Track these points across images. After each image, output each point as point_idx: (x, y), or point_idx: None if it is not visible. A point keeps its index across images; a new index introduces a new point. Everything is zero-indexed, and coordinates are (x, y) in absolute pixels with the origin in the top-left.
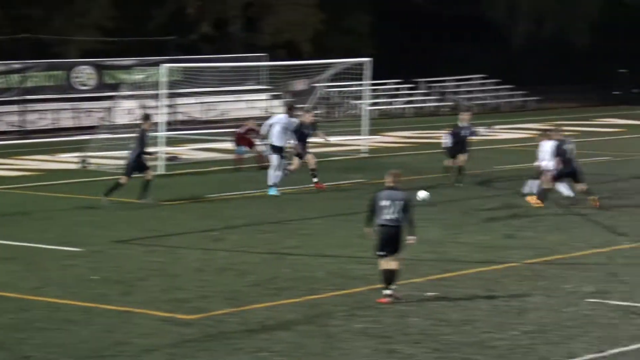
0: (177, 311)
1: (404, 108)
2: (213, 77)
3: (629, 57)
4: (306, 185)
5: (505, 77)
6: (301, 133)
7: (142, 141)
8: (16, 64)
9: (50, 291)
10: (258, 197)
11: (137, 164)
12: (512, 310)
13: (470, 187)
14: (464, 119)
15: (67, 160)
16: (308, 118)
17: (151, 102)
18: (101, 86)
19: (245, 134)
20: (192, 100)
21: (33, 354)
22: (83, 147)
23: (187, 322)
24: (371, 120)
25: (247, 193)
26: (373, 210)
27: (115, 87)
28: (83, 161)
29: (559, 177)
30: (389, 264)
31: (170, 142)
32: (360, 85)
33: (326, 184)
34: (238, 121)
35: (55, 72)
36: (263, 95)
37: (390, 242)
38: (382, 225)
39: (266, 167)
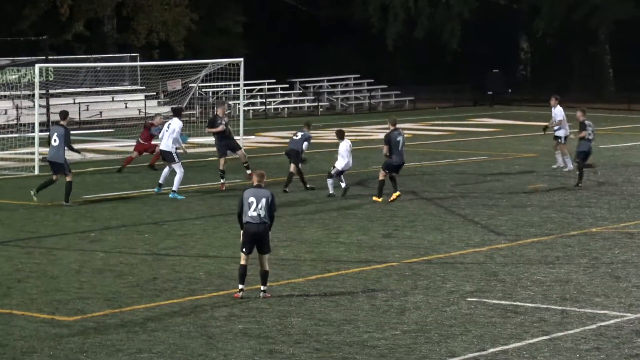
0: (57, 313)
1: (279, 108)
2: (88, 78)
3: (502, 58)
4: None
5: (378, 78)
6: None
7: (68, 138)
8: None
9: None
10: (134, 198)
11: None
12: (392, 310)
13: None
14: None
15: None
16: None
17: (26, 103)
18: None
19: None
20: (67, 100)
21: None
22: None
23: (67, 323)
24: (246, 121)
25: (123, 194)
26: (242, 208)
27: None
28: None
29: (387, 168)
30: (262, 262)
31: (46, 143)
32: (235, 85)
33: (203, 184)
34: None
35: None
36: (138, 96)
37: (254, 240)
38: (247, 223)
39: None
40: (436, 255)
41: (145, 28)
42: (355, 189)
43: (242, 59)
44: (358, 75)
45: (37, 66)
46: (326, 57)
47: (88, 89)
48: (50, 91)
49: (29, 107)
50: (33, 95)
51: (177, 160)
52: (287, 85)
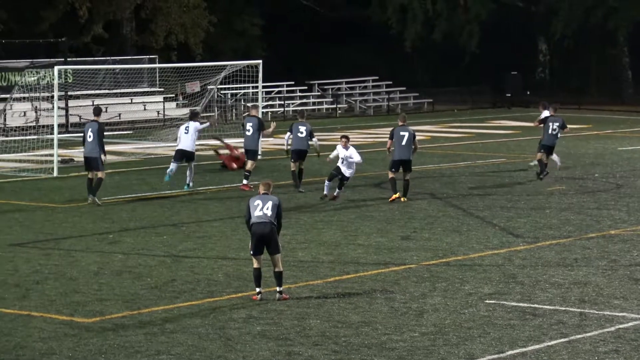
0: (76, 314)
1: (297, 110)
2: (106, 79)
3: (520, 60)
4: (198, 188)
5: (397, 80)
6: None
7: (102, 134)
8: None
9: None
10: (152, 200)
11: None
12: (410, 312)
13: (366, 189)
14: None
15: None
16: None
17: (44, 105)
18: None
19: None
20: (86, 102)
21: None
22: None
23: (86, 325)
24: (265, 123)
25: (141, 195)
26: (249, 213)
27: (7, 89)
28: None
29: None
30: (274, 263)
31: (65, 144)
32: (254, 87)
33: (222, 186)
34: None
35: None
36: (157, 97)
37: (263, 241)
38: (254, 224)
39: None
40: (454, 257)
41: (164, 30)
42: (374, 191)
43: (260, 61)
44: (377, 77)
45: (56, 68)
46: (345, 58)
47: (107, 91)
48: (69, 93)
49: (48, 109)
50: (52, 97)
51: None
52: (306, 87)
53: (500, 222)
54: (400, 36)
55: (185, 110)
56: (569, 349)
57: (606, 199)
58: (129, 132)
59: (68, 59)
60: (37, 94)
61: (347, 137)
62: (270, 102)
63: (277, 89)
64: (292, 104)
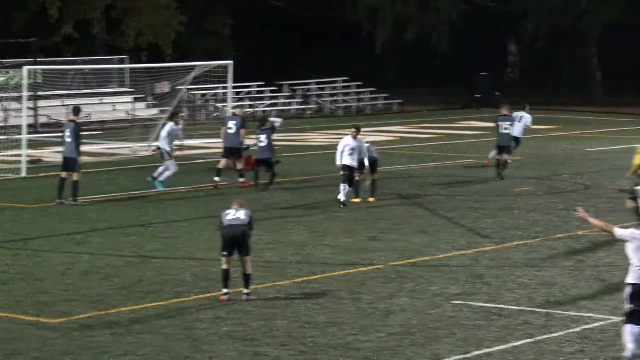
0: (42, 315)
1: (267, 111)
2: (76, 80)
3: (490, 61)
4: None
5: (367, 80)
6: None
7: (78, 133)
8: None
9: None
10: (120, 200)
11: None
12: (377, 312)
13: (334, 189)
14: None
15: None
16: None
17: (14, 105)
18: None
19: None
20: (55, 102)
21: None
22: None
23: (53, 325)
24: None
25: (110, 196)
26: (222, 223)
27: None
28: None
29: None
30: (244, 264)
31: (33, 144)
32: (223, 88)
33: (190, 187)
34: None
35: None
36: (127, 98)
37: (234, 242)
38: (226, 227)
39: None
40: (421, 257)
41: (134, 30)
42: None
43: (230, 62)
44: (347, 78)
45: (25, 68)
46: (315, 59)
47: (76, 91)
48: (39, 93)
49: (17, 109)
50: (21, 97)
51: (168, 158)
52: (276, 88)
53: (468, 223)
54: (370, 37)
55: (155, 111)
56: (534, 349)
57: (574, 200)
58: (98, 132)
59: (37, 59)
60: (6, 94)
61: (358, 128)
62: (239, 103)
63: (247, 90)
64: (262, 104)
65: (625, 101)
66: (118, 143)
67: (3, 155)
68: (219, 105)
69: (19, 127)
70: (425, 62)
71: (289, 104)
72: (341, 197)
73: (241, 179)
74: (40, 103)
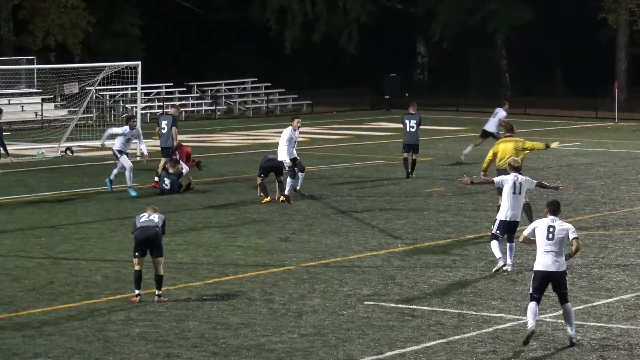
0: None
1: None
2: None
3: (399, 62)
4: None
5: (276, 81)
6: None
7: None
8: None
9: None
10: (30, 202)
11: None
12: (289, 313)
13: (246, 191)
14: None
15: None
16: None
17: None
18: None
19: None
20: None
21: None
22: None
23: None
24: (144, 124)
25: (19, 197)
26: (135, 226)
27: None
28: None
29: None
30: (156, 266)
31: None
32: (133, 89)
33: (100, 188)
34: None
35: None
36: (35, 99)
37: (147, 243)
38: (138, 228)
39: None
40: (333, 258)
41: (42, 31)
42: (253, 193)
43: (139, 62)
44: (256, 79)
45: None
46: (224, 60)
47: None
48: None
49: None
50: None
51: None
52: (185, 89)
53: (379, 224)
54: (279, 37)
55: (64, 112)
56: (447, 349)
57: (484, 201)
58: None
59: None
60: None
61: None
62: (149, 104)
63: (156, 90)
64: (171, 105)
65: (534, 102)
66: (27, 144)
67: None
68: (128, 106)
69: None
70: (334, 63)
71: (199, 105)
72: (297, 187)
73: (156, 179)
74: None
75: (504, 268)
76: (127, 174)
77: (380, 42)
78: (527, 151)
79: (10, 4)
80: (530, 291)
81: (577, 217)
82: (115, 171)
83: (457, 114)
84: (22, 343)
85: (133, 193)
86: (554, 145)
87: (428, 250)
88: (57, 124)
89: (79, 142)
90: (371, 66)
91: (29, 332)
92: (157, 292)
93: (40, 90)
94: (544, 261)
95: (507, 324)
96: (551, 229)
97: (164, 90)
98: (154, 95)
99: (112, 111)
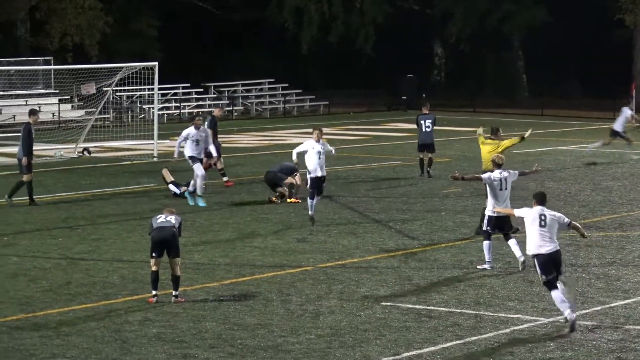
0: None
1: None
2: (1, 81)
3: (416, 63)
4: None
5: (292, 82)
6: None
7: (24, 136)
8: None
9: None
10: (48, 203)
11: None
12: (307, 314)
13: (262, 191)
14: None
15: None
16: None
17: None
18: None
19: None
20: None
21: None
22: None
23: None
24: (161, 125)
25: (37, 197)
26: (152, 227)
27: None
28: None
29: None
30: (173, 267)
31: None
32: (150, 89)
33: (117, 188)
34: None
35: None
36: (52, 99)
37: (164, 244)
38: (155, 229)
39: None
40: (350, 259)
41: (59, 31)
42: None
43: (156, 63)
44: (273, 80)
45: None
46: (241, 61)
47: (1, 93)
48: None
49: None
50: None
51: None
52: (202, 90)
53: (396, 225)
54: (296, 38)
55: (81, 112)
56: (464, 350)
57: None
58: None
59: None
60: None
61: (320, 130)
62: (166, 104)
63: (173, 91)
64: (188, 106)
65: (551, 103)
66: (44, 145)
67: None
68: (145, 107)
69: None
70: (351, 64)
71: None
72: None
73: (225, 178)
74: None
75: (519, 267)
76: (198, 181)
77: (397, 43)
78: (505, 149)
79: (27, 5)
80: (545, 279)
81: (594, 218)
82: (192, 182)
83: (474, 115)
84: (40, 343)
85: (201, 203)
86: (527, 134)
87: (445, 251)
88: (74, 124)
89: (96, 143)
90: (388, 67)
91: (46, 333)
92: (174, 292)
93: (58, 91)
94: (542, 245)
95: (525, 325)
96: (543, 217)
97: (180, 90)
98: (170, 95)
99: (129, 112)
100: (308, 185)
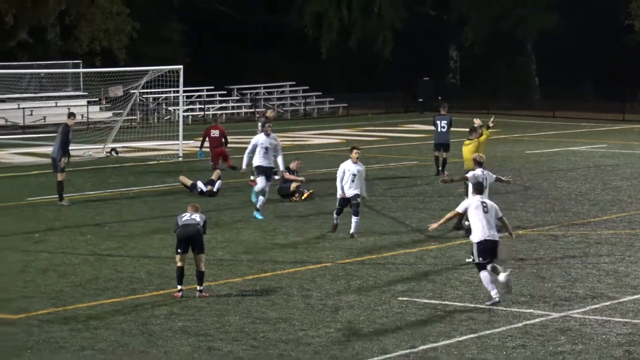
0: (2, 311)
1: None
2: (32, 84)
3: (432, 66)
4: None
5: (312, 85)
6: None
7: (61, 137)
8: None
9: None
10: (77, 201)
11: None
12: (326, 309)
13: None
14: None
15: None
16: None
17: None
18: None
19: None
20: (12, 105)
21: None
22: None
23: (11, 321)
24: (186, 126)
25: (67, 196)
26: (177, 225)
27: None
28: None
29: None
30: (197, 262)
31: None
32: (175, 92)
33: (145, 187)
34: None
35: None
36: (81, 101)
37: (189, 240)
38: (181, 226)
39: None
40: (368, 256)
41: (88, 36)
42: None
43: (181, 66)
44: (294, 83)
45: None
46: (263, 64)
47: (32, 95)
48: None
49: None
50: None
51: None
52: (225, 92)
53: (413, 223)
54: (316, 43)
55: (109, 114)
56: (478, 344)
57: (514, 201)
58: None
59: None
60: None
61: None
62: (191, 106)
63: (197, 94)
64: (212, 107)
65: (562, 105)
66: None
67: None
68: (171, 108)
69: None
70: (369, 68)
71: (239, 107)
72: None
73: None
74: None
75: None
76: (261, 198)
77: (414, 47)
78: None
79: (57, 10)
80: (480, 260)
81: (604, 217)
82: (260, 198)
83: (488, 117)
84: (69, 336)
85: (258, 216)
86: (491, 122)
87: (460, 248)
88: (102, 125)
89: (123, 143)
90: (405, 70)
91: (76, 326)
92: (198, 287)
93: (86, 93)
94: (486, 231)
95: (536, 320)
96: (484, 204)
97: (205, 93)
98: (195, 97)
99: (156, 113)
100: (337, 203)
